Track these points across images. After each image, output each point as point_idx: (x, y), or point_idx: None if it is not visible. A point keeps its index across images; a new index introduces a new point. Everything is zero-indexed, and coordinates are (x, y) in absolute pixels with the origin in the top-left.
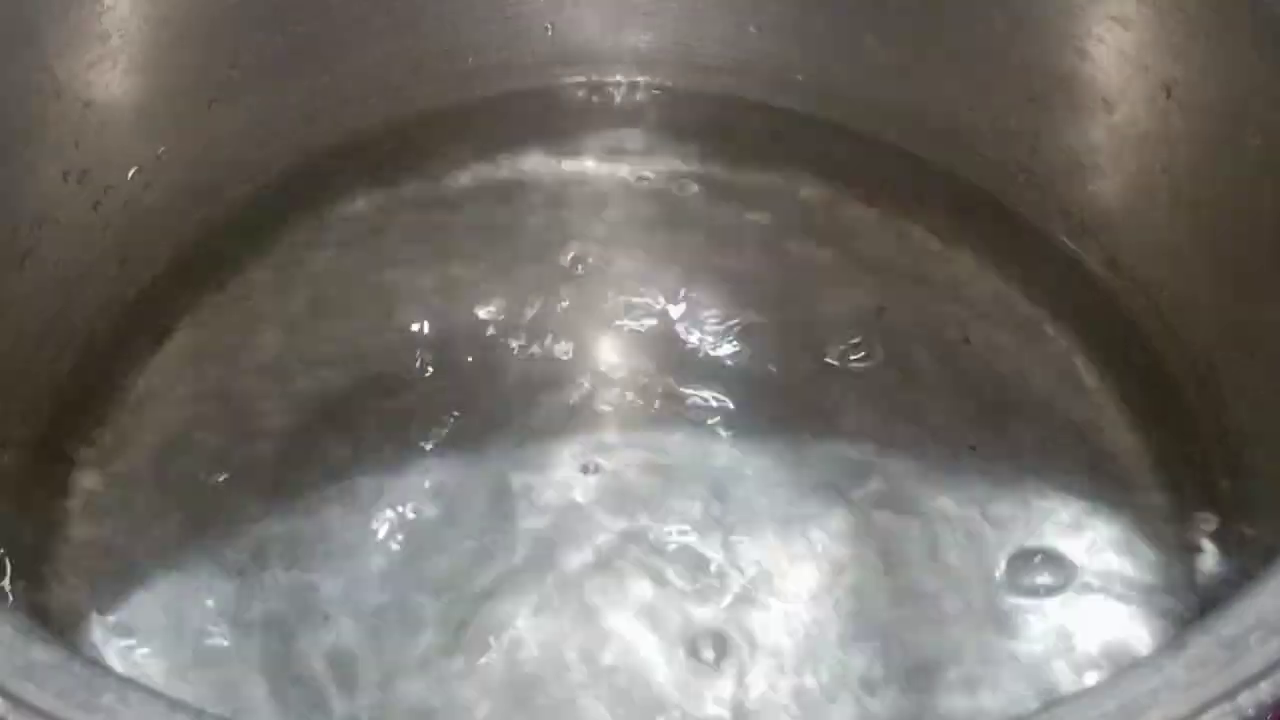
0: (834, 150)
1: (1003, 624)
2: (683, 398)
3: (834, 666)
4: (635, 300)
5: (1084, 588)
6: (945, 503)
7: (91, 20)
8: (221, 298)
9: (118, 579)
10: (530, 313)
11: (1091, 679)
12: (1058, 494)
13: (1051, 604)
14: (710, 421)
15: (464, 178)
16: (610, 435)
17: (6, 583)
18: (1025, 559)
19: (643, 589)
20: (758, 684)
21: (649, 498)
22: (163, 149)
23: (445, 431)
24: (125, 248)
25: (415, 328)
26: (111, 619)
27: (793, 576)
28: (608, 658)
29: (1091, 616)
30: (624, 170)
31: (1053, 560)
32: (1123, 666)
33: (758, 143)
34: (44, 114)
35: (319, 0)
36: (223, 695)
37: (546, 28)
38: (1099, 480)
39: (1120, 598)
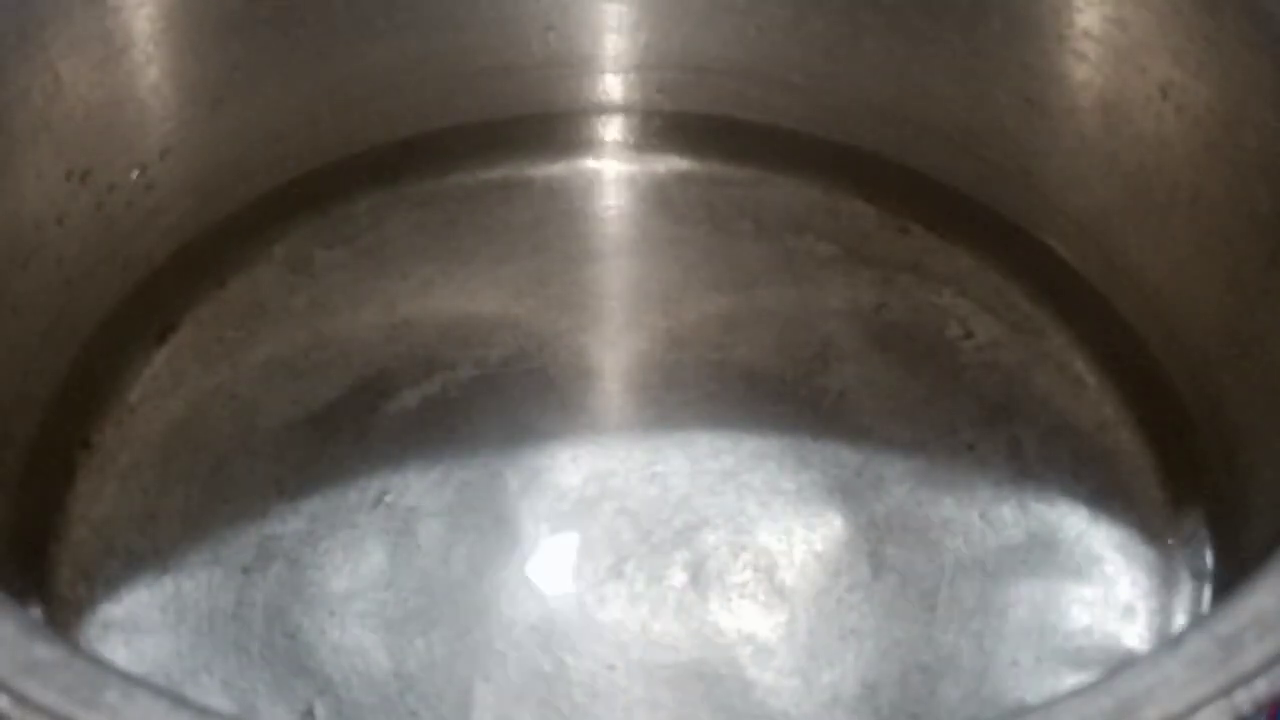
0: (833, 149)
1: (1000, 623)
2: (681, 398)
3: (833, 667)
4: (635, 299)
5: (1082, 586)
6: (945, 503)
7: (96, 21)
8: (223, 297)
9: (120, 577)
10: (530, 312)
11: (1088, 677)
12: (1057, 493)
13: (1049, 602)
14: (708, 421)
15: (465, 177)
16: (610, 436)
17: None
18: (1023, 558)
19: (644, 590)
20: (757, 685)
21: (648, 498)
22: (166, 150)
23: (446, 431)
24: (128, 248)
25: (416, 327)
26: (114, 617)
27: (791, 577)
28: (607, 659)
29: (1089, 614)
30: (624, 169)
31: (1051, 559)
32: (1120, 664)
33: (757, 141)
34: (47, 115)
35: (323, 2)
36: (226, 693)
37: (548, 30)
38: (1098, 479)
39: (1118, 596)
